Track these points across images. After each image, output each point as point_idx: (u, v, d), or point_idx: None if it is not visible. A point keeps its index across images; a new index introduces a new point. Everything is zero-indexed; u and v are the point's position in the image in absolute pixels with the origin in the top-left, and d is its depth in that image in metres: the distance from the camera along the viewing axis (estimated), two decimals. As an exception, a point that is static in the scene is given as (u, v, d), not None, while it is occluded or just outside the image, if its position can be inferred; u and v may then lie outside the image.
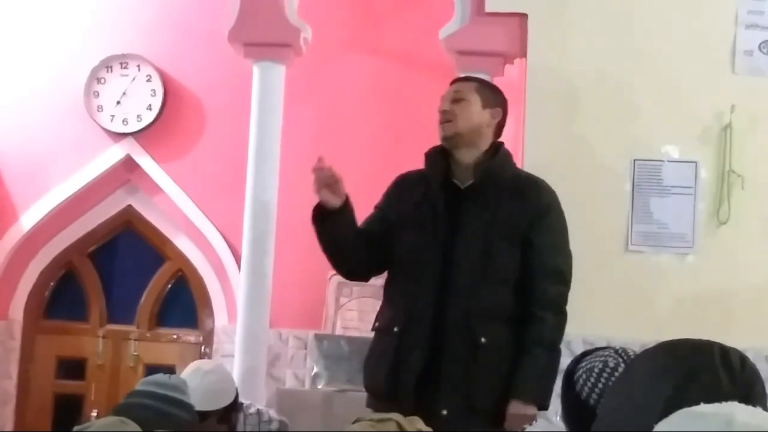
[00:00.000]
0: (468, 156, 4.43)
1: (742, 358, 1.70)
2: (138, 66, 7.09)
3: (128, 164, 7.17)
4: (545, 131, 5.63)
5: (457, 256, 4.31)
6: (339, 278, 6.11)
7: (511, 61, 5.95)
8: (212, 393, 4.76)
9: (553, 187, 5.57)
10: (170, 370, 4.00)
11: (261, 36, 6.07)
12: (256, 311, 6.01)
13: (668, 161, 5.56)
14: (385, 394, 4.29)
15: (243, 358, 5.99)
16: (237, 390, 5.00)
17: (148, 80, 7.08)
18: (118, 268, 7.47)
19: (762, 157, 5.52)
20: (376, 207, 4.60)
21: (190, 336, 7.31)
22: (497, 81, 5.96)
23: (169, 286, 7.42)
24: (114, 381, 7.21)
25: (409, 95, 6.78)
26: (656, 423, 1.56)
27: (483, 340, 4.22)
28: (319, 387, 6.07)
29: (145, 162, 7.11)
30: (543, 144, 5.63)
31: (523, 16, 5.74)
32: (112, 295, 7.44)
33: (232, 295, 6.90)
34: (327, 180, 4.35)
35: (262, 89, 6.09)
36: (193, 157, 7.10)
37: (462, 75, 4.74)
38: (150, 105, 7.07)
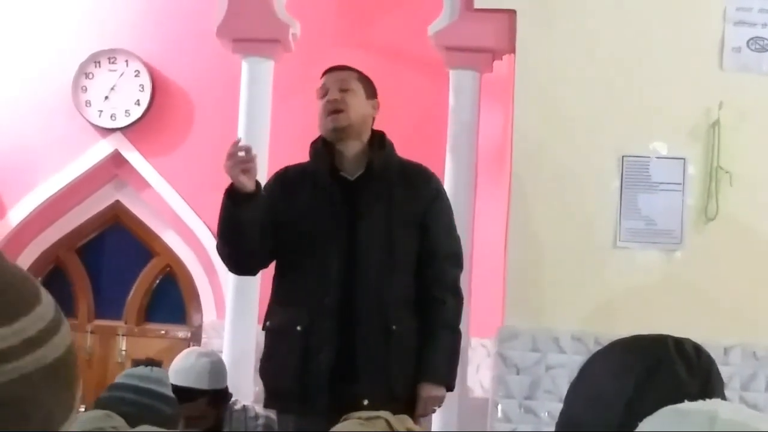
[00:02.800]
0: (352, 147, 4.41)
1: (696, 348, 1.73)
2: (126, 61, 7.08)
3: (116, 159, 7.16)
4: (534, 127, 5.64)
5: (360, 248, 4.30)
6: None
7: (499, 57, 5.95)
8: (205, 373, 4.78)
9: (542, 184, 5.60)
10: (153, 362, 3.98)
11: (250, 31, 6.06)
12: (244, 307, 6.01)
13: (656, 158, 5.57)
14: (296, 395, 4.28)
15: (231, 354, 5.98)
16: (226, 383, 5.02)
17: (136, 75, 7.07)
18: (106, 264, 7.46)
19: (750, 153, 5.53)
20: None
21: (179, 331, 7.31)
22: (486, 77, 5.97)
23: (158, 281, 7.42)
24: (102, 376, 7.20)
25: (397, 91, 6.77)
26: (618, 421, 1.58)
27: (394, 327, 4.27)
28: (308, 383, 6.06)
29: (134, 157, 7.10)
30: (531, 140, 5.63)
31: (512, 12, 5.74)
32: (100, 291, 7.44)
33: (220, 291, 6.89)
34: (245, 164, 4.22)
35: (251, 85, 6.08)
36: (181, 153, 7.09)
37: (333, 66, 4.63)
38: (138, 100, 7.06)
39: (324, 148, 4.44)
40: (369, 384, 4.25)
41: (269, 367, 4.44)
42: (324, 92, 4.48)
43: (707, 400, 1.23)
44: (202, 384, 4.76)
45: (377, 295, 4.29)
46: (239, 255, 4.46)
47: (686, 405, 1.21)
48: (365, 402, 4.13)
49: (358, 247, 4.31)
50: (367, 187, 4.37)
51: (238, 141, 4.34)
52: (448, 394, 4.50)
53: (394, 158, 4.49)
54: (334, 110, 4.42)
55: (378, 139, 4.47)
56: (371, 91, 4.53)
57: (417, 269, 4.38)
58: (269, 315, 4.48)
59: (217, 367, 4.91)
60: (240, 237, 4.33)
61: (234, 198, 4.26)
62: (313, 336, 4.28)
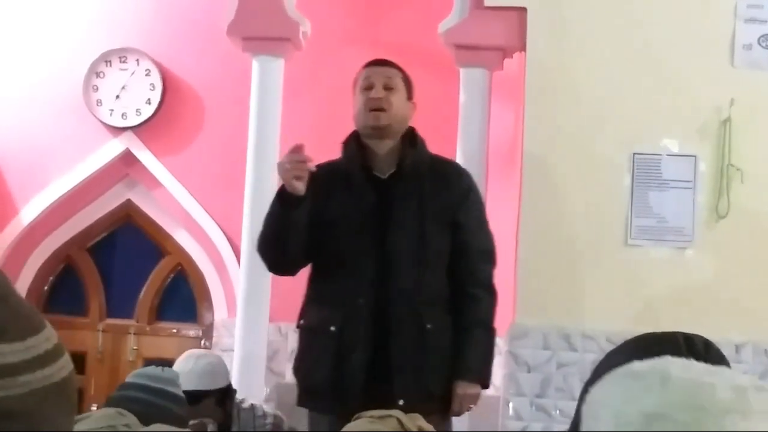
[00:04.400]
0: (385, 146, 4.38)
1: (706, 343, 1.74)
2: (137, 60, 7.09)
3: (127, 158, 7.18)
4: (544, 125, 5.63)
5: (393, 246, 4.28)
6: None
7: (510, 55, 5.95)
8: (207, 374, 4.79)
9: (553, 182, 5.59)
10: (165, 362, 3.99)
11: (260, 30, 6.07)
12: (255, 305, 6.02)
13: (667, 155, 5.56)
14: (330, 394, 4.26)
15: (242, 352, 5.99)
16: (230, 380, 5.04)
17: (147, 74, 7.08)
18: (118, 263, 7.48)
19: (761, 150, 5.52)
20: None
21: (190, 330, 7.32)
22: (497, 75, 5.97)
23: (169, 280, 7.43)
24: (113, 375, 7.21)
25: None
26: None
27: (429, 325, 4.25)
28: (319, 381, 6.06)
29: (145, 156, 7.11)
30: (542, 138, 5.63)
31: (522, 10, 5.74)
32: (112, 290, 7.45)
33: (231, 289, 6.90)
34: (301, 170, 4.18)
35: (262, 83, 6.09)
36: (192, 151, 7.10)
37: (379, 59, 4.58)
38: (149, 99, 7.07)
39: (356, 146, 4.40)
40: (404, 383, 4.22)
41: (303, 366, 4.42)
42: (368, 85, 4.42)
43: (658, 358, 1.23)
44: (207, 385, 4.77)
45: (411, 294, 4.26)
46: (284, 257, 4.41)
47: (638, 365, 1.21)
48: (401, 402, 4.09)
49: (390, 246, 4.28)
50: (399, 185, 4.33)
51: (301, 146, 4.25)
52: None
53: (426, 155, 4.45)
54: (377, 108, 4.36)
55: (409, 137, 4.43)
56: (411, 92, 4.49)
57: (450, 266, 4.36)
58: (304, 313, 4.45)
59: (217, 367, 4.92)
60: (287, 240, 4.30)
61: (285, 201, 4.23)
62: (347, 336, 4.25)
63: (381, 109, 4.36)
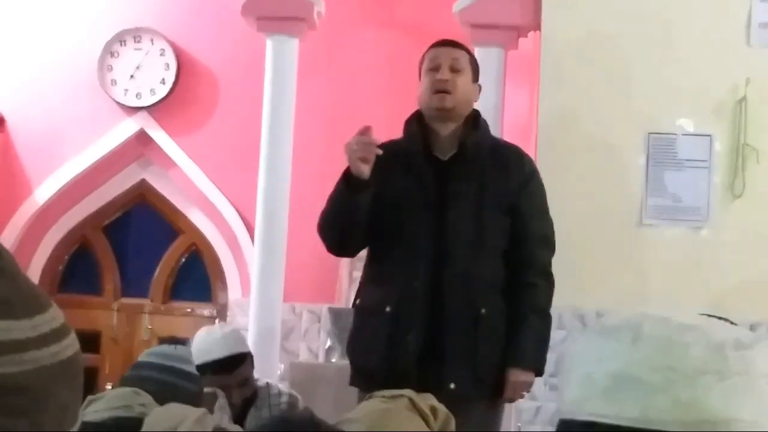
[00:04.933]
0: (448, 128, 4.29)
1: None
2: (151, 40, 7.10)
3: (142, 138, 7.18)
4: (559, 104, 5.62)
5: (450, 229, 4.21)
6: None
7: (525, 34, 5.94)
8: (237, 338, 4.81)
9: (568, 161, 5.59)
10: (178, 340, 3.98)
11: (274, 9, 6.06)
12: (269, 285, 6.03)
13: (683, 135, 5.55)
14: (382, 375, 4.24)
15: (257, 332, 6.01)
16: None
17: (161, 54, 7.09)
18: (132, 242, 7.49)
19: (777, 130, 5.50)
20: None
21: (204, 309, 7.34)
22: (511, 54, 5.96)
23: (183, 259, 7.45)
24: (128, 354, 7.23)
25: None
26: None
27: (483, 311, 4.20)
28: (333, 360, 6.08)
29: (159, 136, 7.12)
30: (557, 117, 5.62)
31: (538, -11, 5.73)
32: (126, 269, 7.47)
33: (245, 269, 6.91)
34: (369, 153, 4.10)
35: (276, 63, 6.09)
36: (206, 131, 7.11)
37: (446, 39, 4.45)
38: (163, 79, 7.07)
39: (418, 126, 4.36)
40: (456, 367, 4.18)
41: (356, 346, 4.39)
42: (434, 66, 4.32)
43: (634, 313, 1.18)
44: (243, 347, 4.79)
45: (466, 278, 4.20)
46: (345, 238, 4.35)
47: (612, 321, 1.16)
48: (452, 385, 4.07)
49: (447, 228, 4.21)
50: (458, 168, 4.26)
51: (369, 128, 4.15)
52: None
53: (488, 139, 4.38)
54: (442, 90, 4.27)
55: (472, 119, 4.36)
56: (477, 75, 4.39)
57: (508, 252, 4.29)
58: (360, 293, 4.41)
59: (240, 333, 4.99)
60: (349, 222, 4.23)
61: (350, 183, 4.16)
62: (402, 317, 4.19)
63: (446, 91, 4.27)
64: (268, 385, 5.10)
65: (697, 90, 5.55)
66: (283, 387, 5.25)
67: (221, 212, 7.07)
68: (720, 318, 1.74)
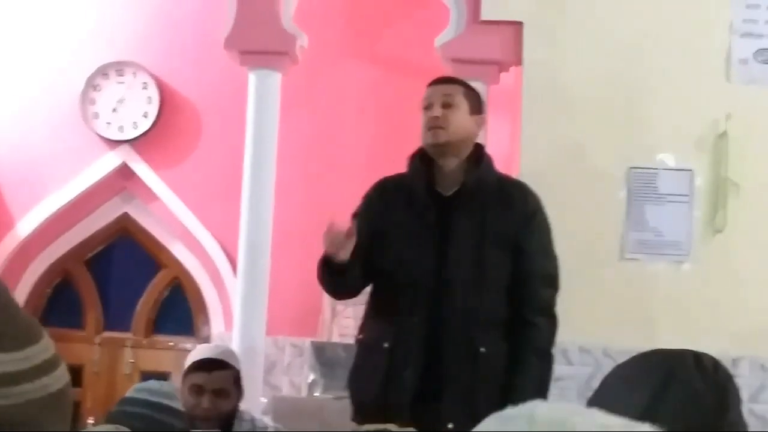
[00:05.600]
0: (451, 163, 4.30)
1: (715, 362, 1.74)
2: (134, 73, 7.10)
3: (124, 172, 7.18)
4: (541, 139, 5.64)
5: (450, 266, 4.21)
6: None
7: (506, 69, 5.96)
8: (229, 353, 4.77)
9: (549, 195, 5.59)
10: (162, 376, 3.97)
11: (257, 43, 6.08)
12: (252, 318, 6.01)
13: (664, 169, 5.57)
14: (379, 411, 4.23)
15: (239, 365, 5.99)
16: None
17: (144, 87, 7.09)
18: (115, 276, 7.48)
19: (758, 165, 5.53)
20: (357, 215, 4.37)
21: (187, 343, 7.31)
22: (493, 89, 5.98)
23: (166, 293, 7.43)
24: (110, 388, 7.21)
25: (405, 103, 6.78)
26: None
27: (482, 349, 4.17)
28: (316, 394, 6.07)
29: (141, 169, 7.12)
30: (539, 152, 5.64)
31: (519, 24, 5.76)
32: (109, 303, 7.45)
33: (228, 303, 6.90)
34: (340, 243, 4.12)
35: (258, 97, 6.10)
36: (189, 165, 7.11)
37: (441, 77, 4.54)
38: (146, 112, 7.08)
39: (422, 163, 4.33)
40: (453, 406, 4.15)
41: (355, 381, 4.39)
42: (428, 104, 4.34)
43: (529, 403, 1.21)
44: (230, 359, 4.75)
45: (466, 316, 4.17)
46: (344, 293, 4.58)
47: (508, 410, 1.19)
48: (450, 425, 4.06)
49: (447, 265, 4.21)
50: (460, 204, 4.25)
51: (333, 224, 4.14)
52: None
53: (491, 175, 4.36)
54: (435, 126, 4.29)
55: (476, 155, 4.37)
56: (477, 107, 4.38)
57: (510, 290, 4.26)
58: (362, 328, 4.42)
59: (235, 354, 4.95)
60: (340, 288, 4.42)
61: (330, 266, 4.20)
62: (400, 354, 4.19)
63: (439, 127, 4.30)
64: (253, 419, 5.09)
65: (678, 125, 5.58)
66: (269, 421, 5.24)
67: (204, 246, 7.07)
68: (707, 356, 1.75)
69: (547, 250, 4.36)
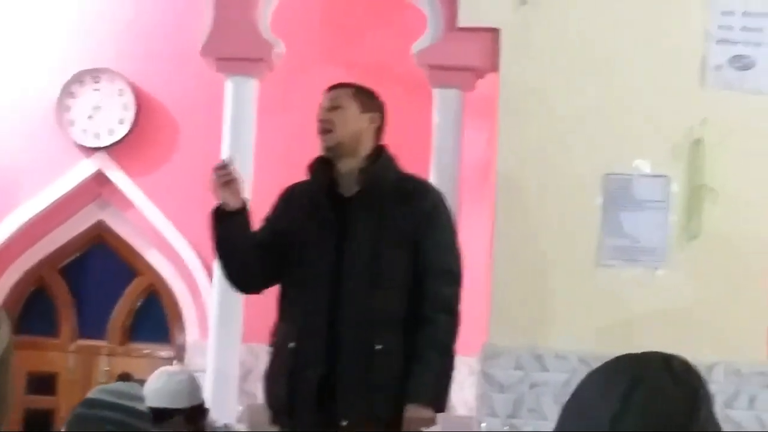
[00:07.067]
0: (349, 164, 4.38)
1: (685, 363, 1.74)
2: (110, 80, 7.08)
3: (100, 179, 7.15)
4: (517, 145, 5.65)
5: (347, 265, 4.27)
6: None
7: (483, 75, 5.97)
8: (179, 392, 4.75)
9: (525, 201, 5.60)
10: (127, 377, 3.95)
11: (234, 50, 6.07)
12: (228, 326, 6.00)
13: (639, 175, 5.58)
14: (286, 411, 4.29)
15: (215, 373, 5.97)
16: (203, 398, 5.00)
17: (120, 94, 7.07)
18: (90, 283, 7.45)
19: (733, 171, 5.54)
20: (266, 219, 4.52)
21: (162, 351, 7.29)
22: (469, 95, 5.99)
23: (141, 300, 7.41)
24: (85, 396, 7.16)
25: (381, 110, 6.78)
26: None
27: (378, 346, 4.22)
28: (292, 402, 6.05)
29: (117, 176, 7.09)
30: (515, 158, 5.64)
31: (496, 31, 5.76)
32: (84, 310, 7.42)
33: (204, 310, 6.88)
34: (227, 178, 4.29)
35: (235, 103, 6.09)
36: (165, 172, 7.09)
37: (337, 83, 4.61)
38: (122, 119, 7.06)
39: (323, 166, 4.43)
40: (348, 403, 4.21)
41: (266, 384, 4.45)
42: (318, 112, 4.47)
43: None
44: (178, 402, 4.73)
45: (361, 314, 4.25)
46: (236, 273, 4.53)
47: None
48: (344, 423, 4.12)
49: (345, 264, 4.29)
50: (359, 204, 4.34)
51: (222, 161, 4.36)
52: None
53: (390, 173, 4.43)
54: (323, 130, 4.41)
55: (374, 155, 4.44)
56: (369, 105, 4.46)
57: (412, 287, 4.32)
58: (273, 331, 4.48)
59: (190, 385, 4.89)
60: (232, 254, 4.42)
61: (219, 216, 4.29)
62: (303, 354, 4.26)
63: (327, 131, 4.39)
64: (226, 426, 5.08)
65: (654, 131, 5.59)
66: (242, 427, 5.22)
67: (179, 253, 7.04)
68: (677, 358, 1.75)
69: (448, 247, 4.41)
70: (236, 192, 4.31)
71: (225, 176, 4.29)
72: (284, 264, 4.39)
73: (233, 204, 4.30)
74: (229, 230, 4.32)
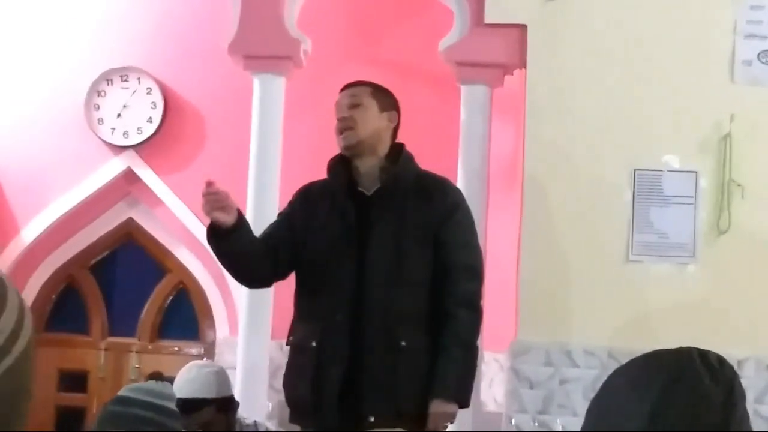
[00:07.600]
0: (369, 162, 4.39)
1: (720, 359, 1.74)
2: (138, 79, 7.11)
3: (129, 177, 7.19)
4: (545, 142, 5.64)
5: (369, 263, 4.28)
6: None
7: (510, 72, 5.96)
8: (208, 383, 4.79)
9: (554, 198, 5.60)
10: (159, 376, 3.96)
11: (261, 48, 6.08)
12: (257, 322, 6.02)
13: (668, 171, 5.57)
14: (309, 410, 4.29)
15: (244, 370, 5.99)
16: (232, 391, 5.04)
17: (148, 93, 7.10)
18: (120, 281, 7.48)
19: (762, 166, 5.53)
20: (281, 214, 4.55)
21: (192, 348, 7.32)
22: (497, 92, 5.99)
23: (171, 298, 7.43)
24: (115, 394, 7.20)
25: (408, 106, 6.75)
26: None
27: (403, 343, 4.23)
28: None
29: (146, 174, 7.12)
30: (543, 154, 5.64)
31: (523, 27, 5.76)
32: (114, 308, 7.45)
33: (233, 307, 6.90)
34: (218, 203, 4.23)
35: (263, 101, 6.10)
36: (193, 169, 7.11)
37: (347, 83, 4.62)
38: (150, 117, 7.09)
39: (342, 164, 4.43)
40: (374, 401, 4.23)
41: (287, 383, 4.46)
42: (337, 110, 4.48)
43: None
44: (208, 393, 4.77)
45: (385, 311, 4.26)
46: (242, 278, 4.66)
47: None
48: (371, 419, 4.13)
49: (367, 262, 4.30)
50: (380, 202, 4.35)
51: (210, 182, 4.29)
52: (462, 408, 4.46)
53: (410, 171, 4.44)
54: (344, 128, 4.41)
55: (395, 153, 4.45)
56: (387, 104, 4.49)
57: (434, 284, 4.33)
58: (291, 330, 4.49)
59: (220, 376, 4.93)
60: (234, 266, 4.47)
61: (215, 235, 4.29)
62: (326, 352, 4.27)
63: (347, 129, 4.40)
64: (255, 423, 5.10)
65: (683, 127, 5.58)
66: (271, 425, 5.24)
67: (208, 250, 7.04)
68: (712, 353, 1.75)
69: (468, 243, 4.42)
70: (228, 208, 4.25)
71: (216, 201, 4.23)
72: (297, 259, 4.40)
73: (229, 220, 4.25)
74: (232, 246, 4.30)
